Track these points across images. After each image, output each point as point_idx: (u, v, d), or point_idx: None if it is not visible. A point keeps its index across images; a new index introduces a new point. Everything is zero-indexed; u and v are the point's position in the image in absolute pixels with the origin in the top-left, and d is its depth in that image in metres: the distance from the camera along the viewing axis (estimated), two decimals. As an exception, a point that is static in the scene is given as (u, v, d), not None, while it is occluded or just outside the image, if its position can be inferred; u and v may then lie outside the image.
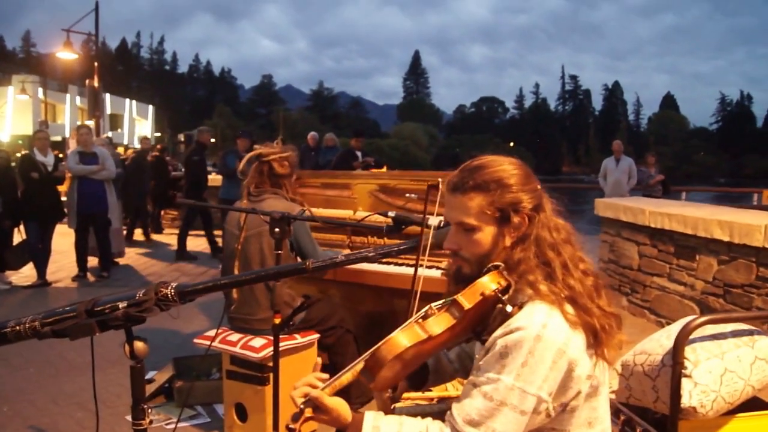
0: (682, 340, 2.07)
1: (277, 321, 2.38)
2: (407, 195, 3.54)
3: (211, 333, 3.27)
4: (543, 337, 1.38)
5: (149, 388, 3.88)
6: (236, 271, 3.25)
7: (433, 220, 1.70)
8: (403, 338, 1.39)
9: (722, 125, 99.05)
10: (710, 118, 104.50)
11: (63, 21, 13.37)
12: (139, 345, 1.38)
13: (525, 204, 1.50)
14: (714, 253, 4.18)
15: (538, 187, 1.55)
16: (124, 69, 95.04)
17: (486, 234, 1.51)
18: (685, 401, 2.05)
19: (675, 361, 2.06)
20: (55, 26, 13.89)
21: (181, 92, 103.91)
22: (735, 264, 3.96)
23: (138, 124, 48.36)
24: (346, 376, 1.44)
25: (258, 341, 3.16)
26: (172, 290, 1.34)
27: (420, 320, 1.44)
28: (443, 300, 1.49)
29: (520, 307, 1.43)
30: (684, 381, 2.07)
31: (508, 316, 1.42)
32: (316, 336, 3.38)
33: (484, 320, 1.47)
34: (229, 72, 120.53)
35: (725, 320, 2.25)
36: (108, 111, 29.91)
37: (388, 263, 3.74)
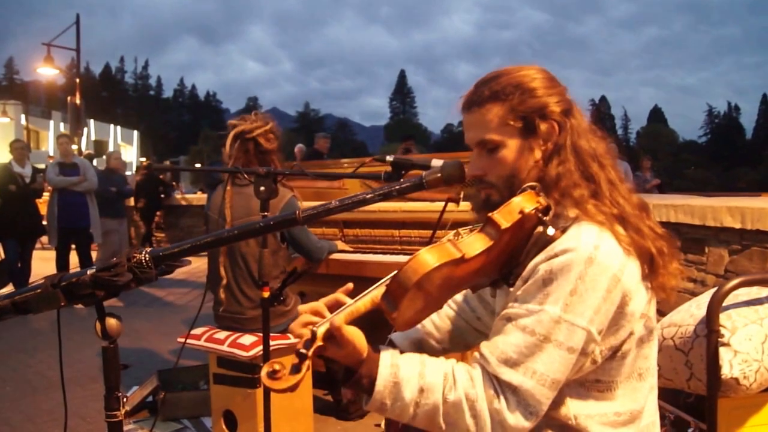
0: (716, 305, 1.85)
1: (266, 294, 2.17)
2: (404, 183, 3.35)
3: (198, 332, 3.08)
4: (596, 259, 1.16)
5: (132, 400, 3.67)
6: (222, 268, 3.05)
7: (436, 162, 1.51)
8: (430, 256, 1.12)
9: (711, 137, 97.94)
10: (699, 130, 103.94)
11: (46, 46, 12.99)
12: (111, 322, 1.18)
13: (552, 108, 1.28)
14: (725, 243, 3.99)
15: (566, 91, 1.33)
16: (108, 95, 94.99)
17: (511, 149, 1.29)
18: (726, 372, 1.82)
19: (710, 329, 1.84)
20: (39, 52, 13.53)
21: (166, 117, 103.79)
22: (748, 252, 3.77)
23: (123, 150, 48.09)
24: (363, 302, 1.19)
25: (247, 338, 2.94)
26: (147, 255, 1.13)
27: (451, 239, 1.19)
28: (471, 226, 1.26)
29: (563, 231, 1.21)
30: (722, 350, 1.84)
31: (548, 241, 1.19)
32: (310, 336, 3.16)
33: (516, 253, 1.24)
34: (215, 96, 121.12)
35: (760, 282, 2.04)
36: (93, 137, 29.55)
37: (385, 252, 3.56)
